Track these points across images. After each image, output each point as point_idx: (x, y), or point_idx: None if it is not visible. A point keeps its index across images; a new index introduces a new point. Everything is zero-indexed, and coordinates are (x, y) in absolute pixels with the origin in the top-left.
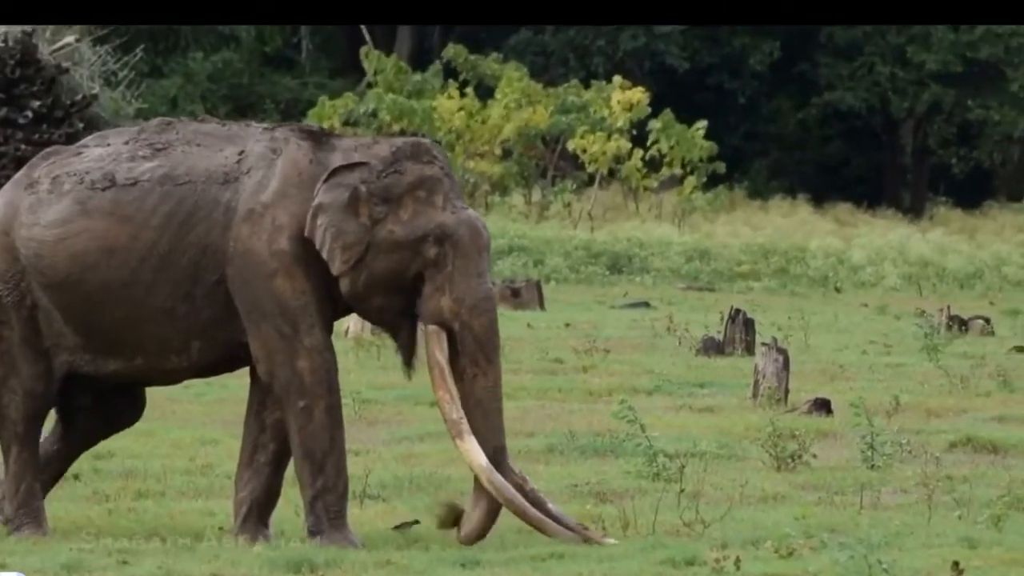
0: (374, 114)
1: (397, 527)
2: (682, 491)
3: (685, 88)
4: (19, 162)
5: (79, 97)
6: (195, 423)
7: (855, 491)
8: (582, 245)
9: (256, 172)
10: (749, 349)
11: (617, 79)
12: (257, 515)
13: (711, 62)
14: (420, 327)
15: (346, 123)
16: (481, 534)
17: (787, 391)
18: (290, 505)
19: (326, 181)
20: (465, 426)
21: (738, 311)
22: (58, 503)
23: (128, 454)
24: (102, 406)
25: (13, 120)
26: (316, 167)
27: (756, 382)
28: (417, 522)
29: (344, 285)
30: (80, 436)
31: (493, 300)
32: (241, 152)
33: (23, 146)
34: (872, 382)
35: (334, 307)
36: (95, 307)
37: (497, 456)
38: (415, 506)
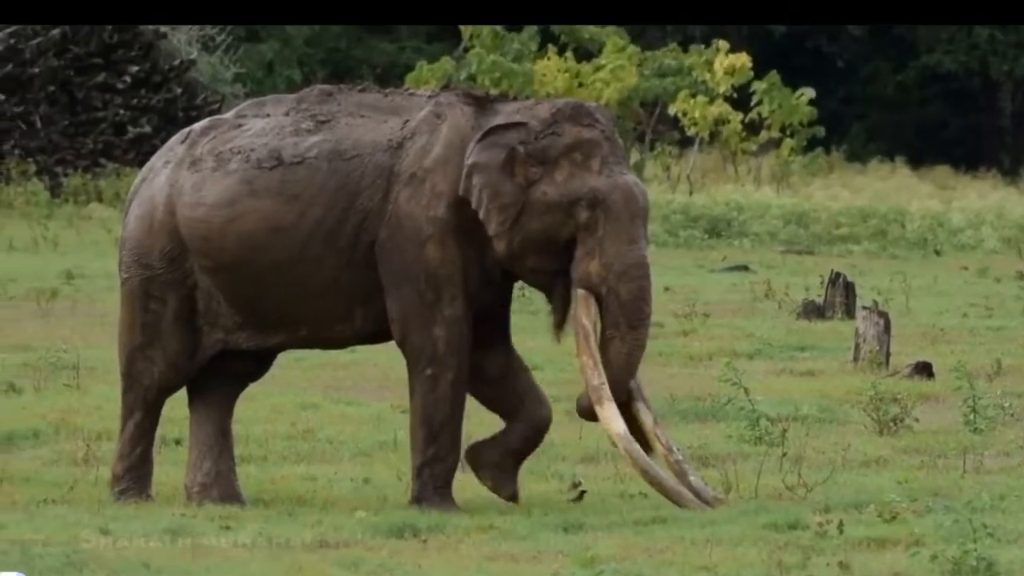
0: (472, 78)
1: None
2: (784, 455)
3: (783, 52)
4: (117, 127)
5: (177, 62)
6: (296, 388)
7: (958, 455)
8: (680, 209)
9: (420, 137)
10: (849, 312)
11: (722, 43)
12: (515, 464)
13: (810, 25)
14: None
15: (445, 88)
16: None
17: (888, 354)
18: (392, 470)
19: (480, 140)
20: (606, 392)
21: (838, 274)
22: (160, 468)
23: None
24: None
25: (111, 85)
26: (478, 132)
27: (857, 346)
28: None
29: (500, 246)
30: (231, 399)
31: (645, 267)
32: (406, 122)
33: (121, 111)
34: (973, 345)
35: (485, 277)
36: (262, 286)
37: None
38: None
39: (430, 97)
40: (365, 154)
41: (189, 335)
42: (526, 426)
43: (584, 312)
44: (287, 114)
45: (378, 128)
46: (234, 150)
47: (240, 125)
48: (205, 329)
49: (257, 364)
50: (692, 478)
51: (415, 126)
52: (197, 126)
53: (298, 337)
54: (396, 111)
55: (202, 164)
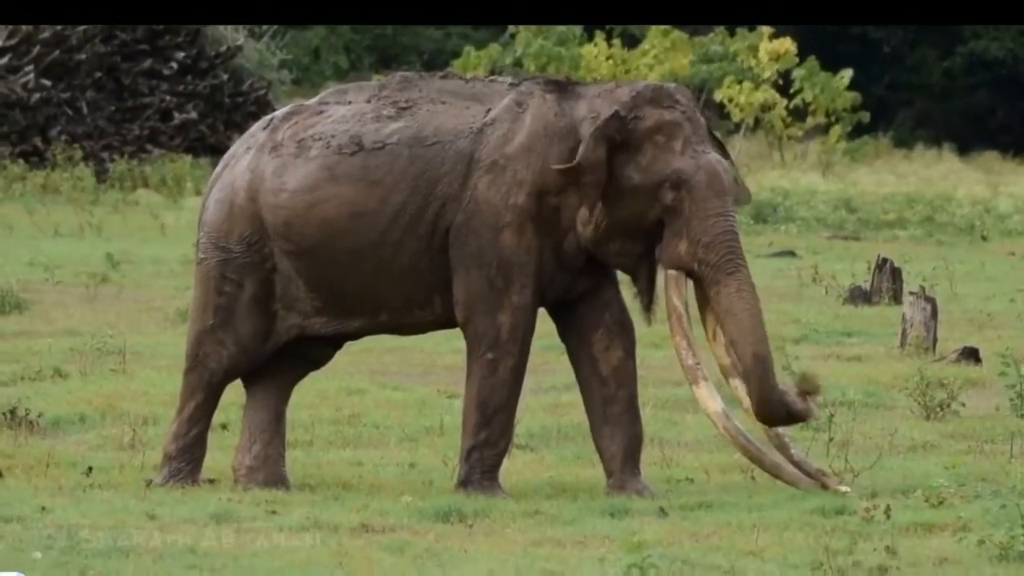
0: (519, 63)
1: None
2: (831, 440)
3: (830, 37)
4: (163, 113)
5: (223, 48)
6: (342, 373)
7: (1005, 440)
8: None
9: (501, 124)
10: (896, 298)
11: (766, 28)
12: (632, 464)
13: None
14: (660, 272)
15: (491, 73)
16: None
17: (935, 340)
18: (438, 455)
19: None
20: (700, 372)
21: (885, 260)
22: (207, 452)
23: None
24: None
25: (158, 71)
26: (561, 119)
27: (904, 331)
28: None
29: (587, 231)
30: (290, 385)
31: (733, 233)
32: (488, 110)
33: (167, 97)
34: (1020, 330)
35: (560, 267)
36: (342, 271)
37: (757, 364)
38: (564, 456)
39: (512, 85)
40: (446, 141)
41: (263, 320)
42: (628, 441)
43: (675, 292)
44: (368, 101)
45: (459, 115)
46: (315, 136)
47: (322, 111)
48: (281, 314)
49: (328, 350)
50: (794, 451)
51: (497, 114)
52: (279, 112)
53: (378, 322)
54: (477, 98)
55: (283, 150)
